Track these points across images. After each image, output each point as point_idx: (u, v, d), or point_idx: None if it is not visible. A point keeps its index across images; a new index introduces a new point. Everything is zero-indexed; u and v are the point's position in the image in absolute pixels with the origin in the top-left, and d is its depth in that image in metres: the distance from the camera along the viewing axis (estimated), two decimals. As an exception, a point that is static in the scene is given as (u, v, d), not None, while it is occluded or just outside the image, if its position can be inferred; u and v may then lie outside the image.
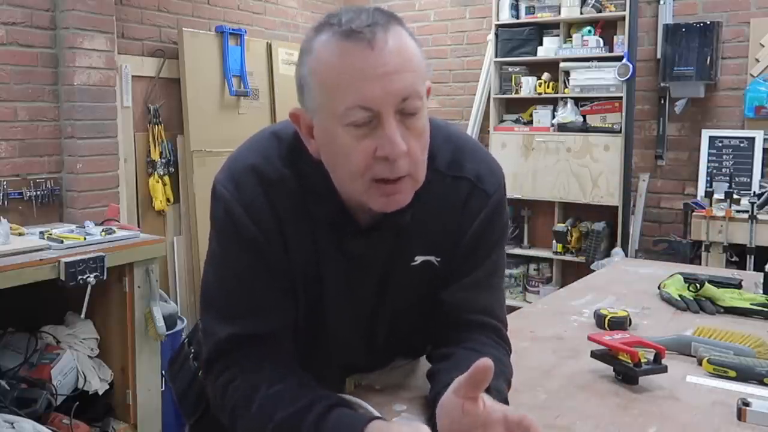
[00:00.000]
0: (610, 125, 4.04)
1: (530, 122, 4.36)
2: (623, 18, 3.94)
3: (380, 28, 0.87)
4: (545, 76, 4.27)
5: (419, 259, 1.05)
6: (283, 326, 1.02)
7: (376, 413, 0.97)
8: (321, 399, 0.92)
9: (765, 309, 1.55)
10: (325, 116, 0.90)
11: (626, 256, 3.86)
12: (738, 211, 3.36)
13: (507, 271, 4.40)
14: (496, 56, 4.39)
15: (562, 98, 4.22)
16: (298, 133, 0.99)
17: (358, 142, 0.88)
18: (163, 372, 2.72)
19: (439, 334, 1.08)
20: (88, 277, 2.32)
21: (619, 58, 3.95)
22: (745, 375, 1.16)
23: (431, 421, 0.93)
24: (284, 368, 1.00)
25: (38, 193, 3.03)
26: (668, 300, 1.66)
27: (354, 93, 0.86)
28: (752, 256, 3.28)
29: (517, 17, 4.34)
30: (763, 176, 3.76)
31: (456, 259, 1.06)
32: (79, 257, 2.31)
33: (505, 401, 0.95)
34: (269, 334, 1.00)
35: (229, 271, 1.01)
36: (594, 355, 1.21)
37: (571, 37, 4.21)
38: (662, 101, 4.06)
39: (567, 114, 4.14)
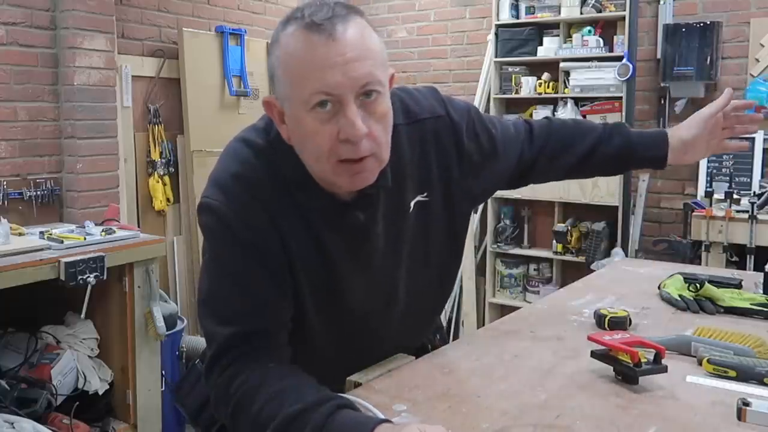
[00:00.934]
0: (610, 125, 4.03)
1: (530, 122, 4.35)
2: (623, 18, 3.94)
3: (340, 20, 0.95)
4: (545, 76, 4.27)
5: (412, 203, 1.14)
6: (283, 322, 1.06)
7: (380, 414, 0.99)
8: (328, 399, 0.94)
9: (765, 309, 1.55)
10: (293, 103, 0.98)
11: (626, 256, 3.85)
12: (738, 211, 3.36)
13: (507, 271, 4.43)
14: (496, 56, 4.39)
15: (562, 98, 4.22)
16: (267, 131, 1.07)
17: (323, 126, 0.96)
18: (163, 372, 2.73)
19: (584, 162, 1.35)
20: (88, 277, 2.32)
21: (619, 58, 3.95)
22: (745, 375, 1.16)
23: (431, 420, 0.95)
24: (286, 366, 1.02)
25: (38, 193, 3.04)
26: (668, 300, 1.66)
27: (317, 81, 0.94)
28: (752, 256, 3.27)
29: (517, 17, 4.34)
30: (763, 176, 3.76)
31: (497, 166, 1.25)
32: (79, 257, 2.31)
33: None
34: (269, 331, 1.04)
35: (226, 274, 1.05)
36: (594, 355, 1.21)
37: (571, 37, 4.21)
38: (662, 101, 4.06)
39: (567, 114, 4.14)
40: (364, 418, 0.92)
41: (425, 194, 1.15)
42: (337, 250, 1.08)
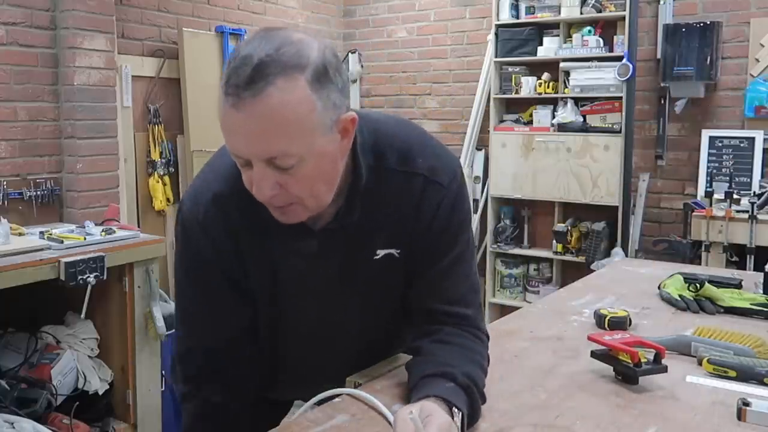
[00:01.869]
0: (610, 125, 4.04)
1: (530, 122, 4.36)
2: (623, 18, 3.94)
3: (251, 92, 0.87)
4: (545, 76, 4.27)
5: (381, 252, 1.11)
6: (238, 336, 1.14)
7: (385, 409, 1.01)
8: None
9: (765, 309, 1.55)
10: None
11: (626, 256, 3.85)
12: (738, 211, 3.36)
13: (507, 271, 4.43)
14: (496, 56, 4.39)
15: (562, 98, 4.22)
16: None
17: (244, 172, 0.97)
18: (163, 372, 2.73)
19: (413, 327, 1.14)
20: (88, 277, 2.32)
21: (619, 58, 3.95)
22: (745, 375, 1.16)
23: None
24: (228, 393, 1.13)
25: (38, 193, 3.03)
26: (668, 300, 1.66)
27: (227, 140, 0.94)
28: (752, 256, 3.27)
29: (517, 17, 4.34)
30: (763, 176, 3.76)
31: (419, 251, 1.11)
32: (79, 257, 2.31)
33: (475, 385, 1.00)
34: (221, 347, 1.13)
35: (186, 286, 1.15)
36: (594, 355, 1.21)
37: (571, 37, 4.21)
38: (662, 101, 4.06)
39: (567, 114, 4.14)
40: None
41: (398, 251, 1.11)
42: (291, 270, 1.11)
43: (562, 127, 4.14)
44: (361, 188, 1.05)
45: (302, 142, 0.91)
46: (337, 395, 1.10)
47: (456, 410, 0.94)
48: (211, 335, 1.12)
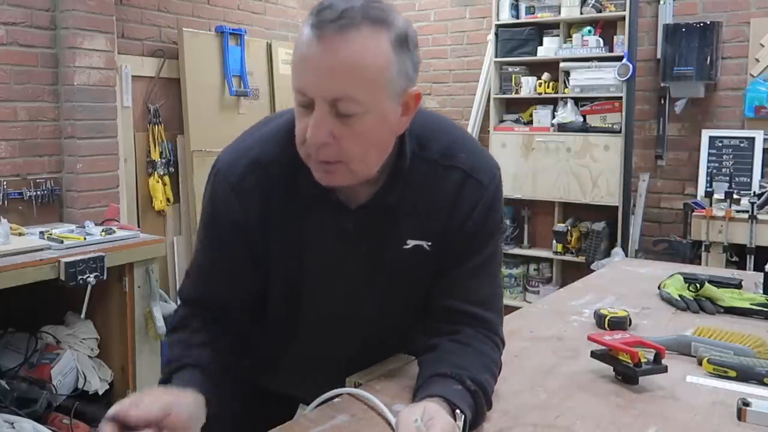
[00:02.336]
0: (610, 125, 4.04)
1: (530, 122, 4.36)
2: (623, 18, 3.94)
3: (337, 28, 0.90)
4: (545, 76, 4.27)
5: (411, 243, 1.10)
6: (242, 298, 1.13)
7: (386, 409, 1.01)
8: (180, 358, 1.05)
9: (765, 309, 1.55)
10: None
11: (626, 256, 3.86)
12: (738, 211, 3.36)
13: (507, 271, 4.43)
14: (496, 56, 4.39)
15: (562, 98, 4.22)
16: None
17: (300, 119, 0.97)
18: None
19: (431, 325, 1.12)
20: (88, 277, 2.32)
21: (619, 58, 3.95)
22: (745, 375, 1.16)
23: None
24: (221, 340, 1.10)
25: (38, 193, 3.03)
26: (668, 300, 1.66)
27: (298, 78, 0.94)
28: (752, 256, 3.28)
29: (517, 17, 4.34)
30: (763, 176, 3.76)
31: (451, 248, 1.09)
32: (79, 257, 2.31)
33: (483, 391, 1.00)
34: (225, 303, 1.12)
35: (205, 240, 1.13)
36: (594, 355, 1.21)
37: (571, 37, 4.21)
38: (662, 101, 4.06)
39: (567, 114, 4.14)
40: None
41: (429, 243, 1.10)
42: (321, 244, 1.09)
43: (562, 127, 4.15)
44: (404, 172, 1.04)
45: (371, 93, 0.93)
46: (337, 395, 1.10)
47: (459, 412, 0.94)
48: (219, 292, 1.12)
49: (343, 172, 0.97)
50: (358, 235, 1.08)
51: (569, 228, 4.17)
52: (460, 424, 0.93)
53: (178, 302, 1.18)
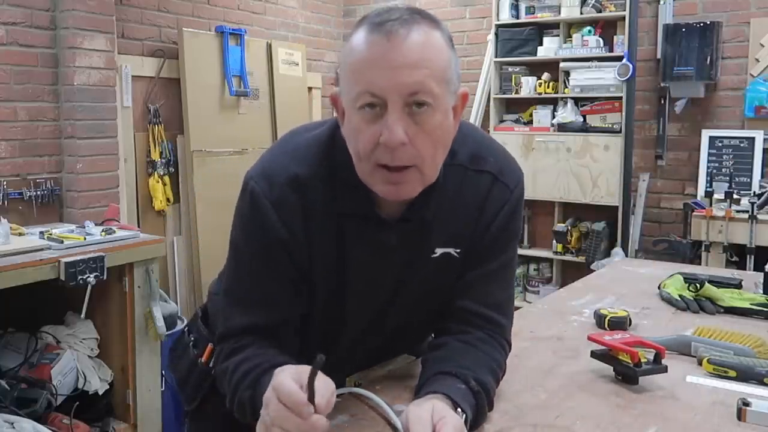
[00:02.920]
0: (610, 125, 4.04)
1: (530, 122, 4.36)
2: (623, 18, 3.94)
3: (403, 23, 0.92)
4: (545, 76, 4.27)
5: (439, 251, 1.09)
6: (292, 319, 1.08)
7: (388, 408, 1.01)
8: (266, 362, 0.99)
9: (765, 309, 1.55)
10: (347, 99, 0.97)
11: (626, 256, 3.86)
12: (738, 211, 3.36)
13: (507, 271, 4.43)
14: (496, 56, 4.39)
15: (562, 98, 4.22)
16: (333, 127, 1.05)
17: (367, 126, 0.93)
18: (163, 371, 2.72)
19: (441, 324, 1.12)
20: (88, 277, 2.32)
21: (619, 58, 3.95)
22: (745, 375, 1.16)
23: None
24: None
25: (38, 193, 3.03)
26: (668, 300, 1.66)
27: (366, 80, 0.92)
28: (752, 256, 3.27)
29: (517, 17, 4.34)
30: (763, 176, 3.76)
31: (474, 251, 1.09)
32: (79, 257, 2.31)
33: (486, 392, 1.00)
34: (277, 326, 1.07)
35: (248, 263, 1.07)
36: (594, 355, 1.21)
37: (571, 37, 4.21)
38: (662, 101, 4.06)
39: (567, 114, 4.14)
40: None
41: (458, 251, 1.09)
42: (361, 260, 1.07)
43: (562, 127, 4.15)
44: (439, 180, 1.03)
45: (440, 87, 0.94)
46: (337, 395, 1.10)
47: (460, 411, 0.94)
48: (272, 315, 1.07)
49: (414, 178, 0.96)
50: (396, 249, 1.07)
51: (569, 228, 4.17)
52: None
53: (223, 331, 1.08)
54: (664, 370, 1.14)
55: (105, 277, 2.38)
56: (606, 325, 1.45)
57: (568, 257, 4.23)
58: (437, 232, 1.08)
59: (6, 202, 2.92)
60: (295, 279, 1.06)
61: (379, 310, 1.13)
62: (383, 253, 1.06)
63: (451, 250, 1.09)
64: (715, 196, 3.50)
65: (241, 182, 1.07)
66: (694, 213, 3.52)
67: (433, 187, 1.02)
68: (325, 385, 0.86)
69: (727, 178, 3.62)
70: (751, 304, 1.57)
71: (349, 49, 0.96)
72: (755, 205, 3.28)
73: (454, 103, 0.99)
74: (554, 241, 4.27)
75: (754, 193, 3.49)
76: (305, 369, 0.84)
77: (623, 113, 3.98)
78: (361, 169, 0.98)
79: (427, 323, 1.17)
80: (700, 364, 1.23)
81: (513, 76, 4.36)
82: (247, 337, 1.05)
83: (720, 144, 3.90)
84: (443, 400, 0.94)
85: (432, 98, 0.92)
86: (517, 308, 1.74)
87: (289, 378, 0.84)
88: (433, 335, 1.16)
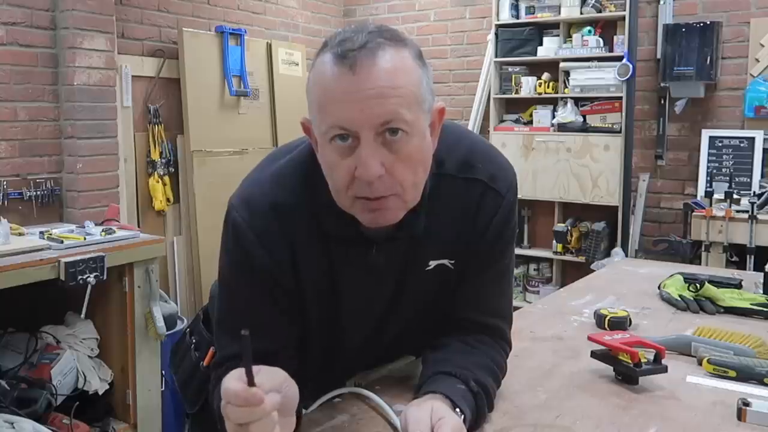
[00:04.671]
0: (610, 125, 4.04)
1: (530, 122, 4.36)
2: (623, 18, 3.94)
3: (367, 53, 0.88)
4: (545, 76, 4.27)
5: (433, 263, 1.07)
6: (286, 347, 1.06)
7: (388, 408, 1.01)
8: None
9: (765, 309, 1.55)
10: (317, 131, 0.94)
11: (626, 256, 3.86)
12: (738, 211, 3.36)
13: (507, 271, 4.42)
14: (496, 56, 4.39)
15: (562, 98, 4.22)
16: (312, 147, 1.01)
17: (341, 159, 0.91)
18: (163, 371, 2.72)
19: (442, 329, 1.11)
20: (88, 277, 2.32)
21: (619, 58, 3.95)
22: (745, 375, 1.16)
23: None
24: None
25: (38, 193, 3.03)
26: (668, 300, 1.66)
27: (334, 114, 0.89)
28: (752, 256, 3.28)
29: (517, 17, 4.34)
30: (763, 176, 3.76)
31: (470, 260, 1.08)
32: (79, 257, 2.31)
33: (486, 394, 1.00)
34: (271, 354, 1.02)
35: (237, 293, 1.05)
36: (594, 355, 1.21)
37: (571, 37, 4.21)
38: (662, 101, 4.06)
39: (567, 114, 4.14)
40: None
41: (452, 262, 1.07)
42: (353, 282, 1.05)
43: (562, 127, 4.15)
44: (426, 196, 1.00)
45: (412, 111, 0.90)
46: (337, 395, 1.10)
47: (458, 411, 0.94)
48: (262, 342, 1.01)
49: (396, 206, 0.94)
50: (387, 266, 1.05)
51: (569, 228, 4.17)
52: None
53: (218, 359, 1.07)
54: (664, 370, 1.14)
55: (105, 277, 2.38)
56: (606, 325, 1.45)
57: (568, 257, 4.23)
58: (430, 244, 1.05)
59: (6, 202, 2.92)
60: (286, 307, 1.04)
61: (375, 325, 1.12)
62: (373, 273, 1.05)
63: (445, 262, 1.07)
64: (715, 196, 3.50)
65: (227, 205, 1.05)
66: (694, 213, 3.52)
67: (422, 202, 1.00)
68: (268, 372, 0.84)
69: (727, 178, 3.62)
70: (751, 304, 1.57)
71: (313, 81, 0.93)
72: (755, 205, 3.28)
73: (430, 121, 0.96)
74: (554, 241, 4.27)
75: (754, 193, 3.49)
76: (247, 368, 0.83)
77: (623, 113, 3.98)
78: (340, 202, 0.96)
79: (426, 331, 1.15)
80: (700, 364, 1.23)
81: (513, 76, 4.37)
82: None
83: (720, 144, 3.90)
84: (442, 401, 0.94)
85: (405, 125, 0.89)
86: (517, 308, 1.74)
87: (230, 379, 0.81)
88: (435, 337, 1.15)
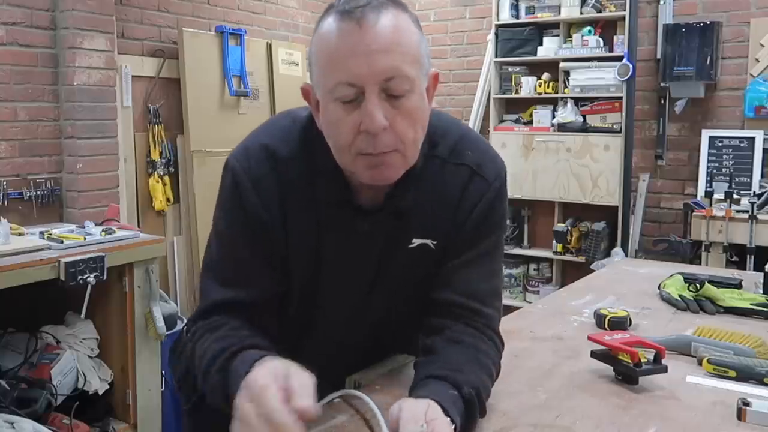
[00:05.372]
0: (610, 125, 4.04)
1: (530, 122, 4.36)
2: (623, 18, 3.94)
3: (372, 9, 0.92)
4: (545, 76, 4.27)
5: (416, 242, 1.09)
6: (270, 298, 1.09)
7: (377, 411, 0.98)
8: (237, 343, 0.97)
9: (765, 309, 1.55)
10: (322, 91, 0.96)
11: (626, 256, 3.86)
12: (738, 211, 3.36)
13: (507, 271, 4.42)
14: (496, 56, 4.39)
15: (562, 98, 4.22)
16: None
17: (346, 116, 0.94)
18: (163, 370, 2.72)
19: (426, 320, 1.09)
20: (88, 277, 2.32)
21: (619, 58, 3.95)
22: (745, 375, 1.16)
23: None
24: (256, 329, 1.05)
25: (38, 193, 3.03)
26: (668, 300, 1.66)
27: (340, 69, 0.92)
28: (752, 256, 3.28)
29: (517, 17, 4.35)
30: (763, 176, 3.76)
31: (453, 244, 1.09)
32: (79, 257, 2.31)
33: (478, 398, 0.96)
34: (254, 303, 1.07)
35: (229, 239, 1.08)
36: (594, 355, 1.21)
37: (571, 37, 4.21)
38: (662, 101, 4.06)
39: (567, 114, 4.14)
40: (255, 355, 0.92)
41: (435, 242, 1.09)
42: (337, 248, 1.08)
43: (562, 127, 4.15)
44: (417, 171, 1.03)
45: (414, 69, 0.95)
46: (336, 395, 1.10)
47: (449, 420, 0.90)
48: (251, 293, 1.06)
49: (397, 162, 0.97)
50: (371, 238, 1.07)
51: (569, 228, 4.17)
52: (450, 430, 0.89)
53: (202, 306, 1.09)
54: (664, 370, 1.14)
55: (105, 277, 2.38)
56: (606, 325, 1.45)
57: (568, 257, 4.23)
58: (414, 222, 1.08)
59: (6, 202, 2.92)
60: (274, 259, 1.07)
61: (358, 300, 1.13)
62: (358, 241, 1.07)
63: (428, 242, 1.09)
64: (715, 196, 3.50)
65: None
66: (694, 213, 3.52)
67: (412, 177, 1.03)
68: (302, 383, 0.81)
69: (727, 178, 3.62)
70: (751, 304, 1.58)
71: (319, 40, 0.95)
72: (755, 205, 3.28)
73: (426, 84, 0.99)
74: (554, 241, 4.28)
75: (754, 193, 3.49)
76: (278, 367, 0.83)
77: (623, 113, 3.98)
78: (342, 160, 0.98)
79: (411, 315, 1.14)
80: (700, 364, 1.23)
81: (513, 76, 4.37)
82: (222, 315, 1.05)
83: (720, 144, 3.90)
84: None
85: (408, 82, 0.93)
86: (517, 308, 1.75)
87: (267, 391, 0.79)
88: (422, 335, 1.12)
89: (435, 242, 1.09)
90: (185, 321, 1.39)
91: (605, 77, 4.00)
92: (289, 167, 1.04)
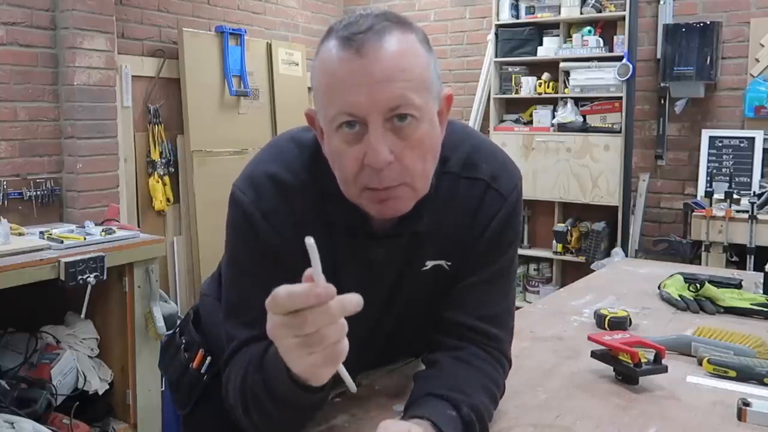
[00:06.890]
0: (610, 125, 4.04)
1: (530, 122, 4.36)
2: (623, 18, 3.94)
3: (374, 35, 0.85)
4: (545, 76, 4.27)
5: (430, 264, 1.04)
6: None
7: (350, 379, 0.94)
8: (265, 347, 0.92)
9: (765, 309, 1.55)
10: (323, 119, 0.91)
11: (626, 256, 3.86)
12: (738, 211, 3.36)
13: (507, 271, 4.42)
14: (496, 56, 4.39)
15: (562, 98, 4.22)
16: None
17: (349, 147, 0.88)
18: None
19: (435, 337, 1.06)
20: (88, 277, 2.32)
21: (619, 58, 3.95)
22: (745, 375, 1.16)
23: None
24: None
25: (38, 193, 3.03)
26: (668, 300, 1.66)
27: (341, 100, 0.86)
28: (752, 256, 3.28)
29: (517, 17, 4.34)
30: (763, 176, 3.76)
31: (467, 262, 1.04)
32: (79, 257, 2.31)
33: (480, 421, 0.93)
34: None
35: (246, 276, 1.01)
36: (594, 355, 1.21)
37: (571, 37, 4.21)
38: (662, 101, 4.06)
39: (567, 114, 4.14)
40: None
41: (449, 263, 1.04)
42: (353, 275, 1.01)
43: (562, 127, 4.15)
44: (431, 192, 0.97)
45: (422, 95, 0.88)
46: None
47: None
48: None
49: (406, 195, 0.91)
50: (385, 262, 1.02)
51: (569, 228, 4.17)
52: None
53: (231, 348, 1.00)
54: (664, 370, 1.14)
55: (105, 277, 2.38)
56: (606, 325, 1.45)
57: (568, 257, 4.23)
58: (429, 244, 1.02)
59: (6, 202, 2.92)
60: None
61: (372, 323, 1.08)
62: (372, 267, 1.02)
63: (442, 263, 1.04)
64: (715, 196, 3.50)
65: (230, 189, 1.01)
66: (694, 213, 3.52)
67: (426, 199, 0.97)
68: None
69: (727, 178, 3.62)
70: (751, 304, 1.57)
71: (319, 67, 0.90)
72: (755, 205, 3.28)
73: (438, 108, 0.93)
74: (554, 241, 4.27)
75: (754, 193, 3.49)
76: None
77: (623, 113, 3.98)
78: (348, 193, 0.93)
79: (423, 333, 1.10)
80: (700, 364, 1.23)
81: (513, 76, 4.37)
82: (250, 347, 0.98)
83: (720, 144, 3.90)
84: (427, 429, 0.87)
85: (415, 110, 0.87)
86: (517, 308, 1.74)
87: (287, 287, 0.78)
88: (428, 350, 1.09)
89: (450, 263, 1.04)
90: (177, 326, 1.37)
91: (605, 77, 4.00)
92: (298, 195, 0.98)
